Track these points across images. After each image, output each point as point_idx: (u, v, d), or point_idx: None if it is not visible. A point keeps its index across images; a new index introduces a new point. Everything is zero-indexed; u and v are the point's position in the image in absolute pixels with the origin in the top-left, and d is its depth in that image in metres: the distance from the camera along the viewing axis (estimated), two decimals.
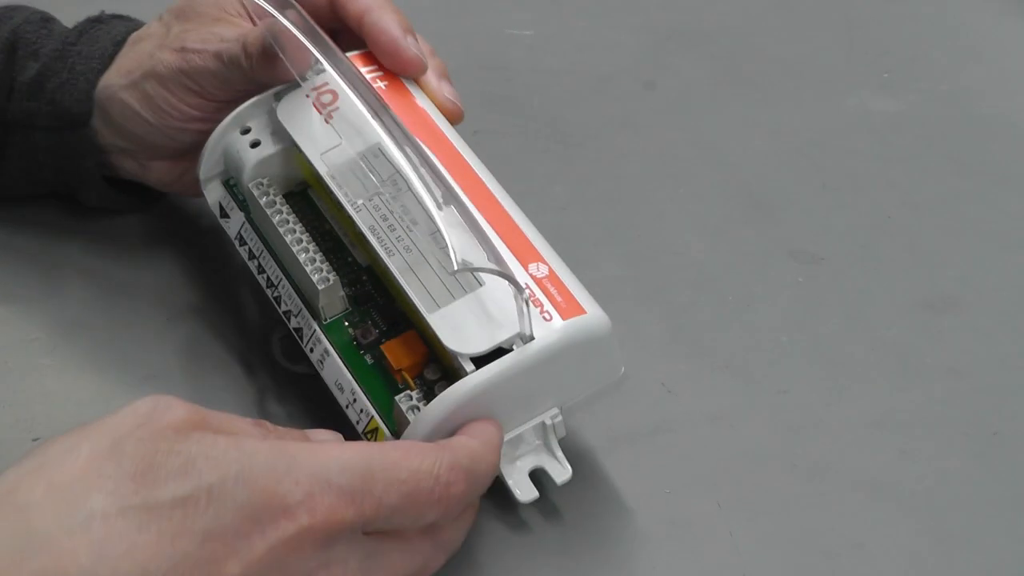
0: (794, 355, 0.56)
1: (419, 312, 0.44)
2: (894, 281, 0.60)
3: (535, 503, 0.46)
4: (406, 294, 0.45)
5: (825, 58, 0.76)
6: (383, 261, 0.46)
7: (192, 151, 0.54)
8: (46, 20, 0.58)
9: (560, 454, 0.46)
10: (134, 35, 0.56)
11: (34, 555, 0.34)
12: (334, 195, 0.48)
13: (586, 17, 0.78)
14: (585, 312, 0.45)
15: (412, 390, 0.44)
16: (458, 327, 0.43)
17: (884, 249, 0.62)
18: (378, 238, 0.46)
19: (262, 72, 0.51)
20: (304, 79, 0.50)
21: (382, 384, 0.46)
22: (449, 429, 0.42)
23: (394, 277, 0.45)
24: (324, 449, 0.38)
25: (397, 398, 0.44)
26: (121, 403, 0.40)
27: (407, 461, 0.39)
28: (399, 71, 0.52)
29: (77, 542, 0.35)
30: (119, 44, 0.55)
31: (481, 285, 0.45)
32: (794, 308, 0.59)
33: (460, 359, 0.43)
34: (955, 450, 0.52)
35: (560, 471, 0.45)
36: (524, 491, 0.45)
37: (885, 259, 0.62)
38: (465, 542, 0.44)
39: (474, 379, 0.42)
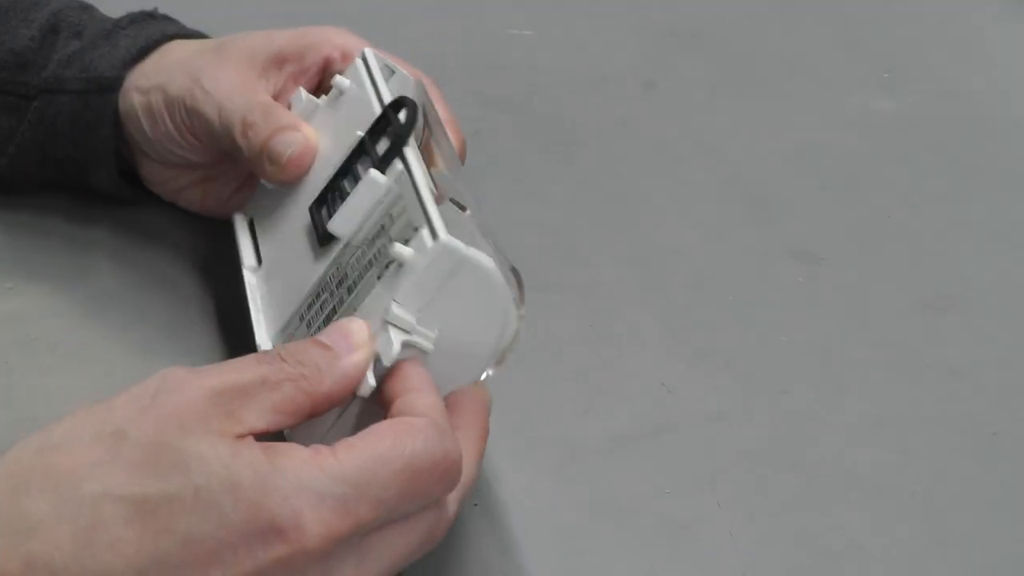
0: (794, 355, 0.56)
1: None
2: (894, 281, 0.60)
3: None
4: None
5: (825, 58, 0.76)
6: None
7: (185, 168, 0.56)
8: (85, 7, 0.59)
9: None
10: (177, 41, 0.56)
11: (27, 539, 0.35)
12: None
13: (586, 17, 0.78)
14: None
15: None
16: None
17: (884, 249, 0.62)
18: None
19: (249, 159, 0.51)
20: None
21: None
22: None
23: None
24: (318, 459, 0.37)
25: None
26: None
27: (400, 448, 0.37)
28: None
29: (64, 529, 0.35)
30: (169, 37, 0.56)
31: None
32: (794, 308, 0.59)
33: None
34: (955, 450, 0.52)
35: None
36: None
37: (885, 259, 0.62)
38: (460, 541, 0.44)
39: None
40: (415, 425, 0.39)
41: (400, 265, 0.42)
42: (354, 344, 0.41)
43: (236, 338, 0.55)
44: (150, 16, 0.58)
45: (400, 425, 0.39)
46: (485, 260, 0.42)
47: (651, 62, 0.74)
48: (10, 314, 0.55)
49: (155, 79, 0.54)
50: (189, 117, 0.53)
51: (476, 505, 0.47)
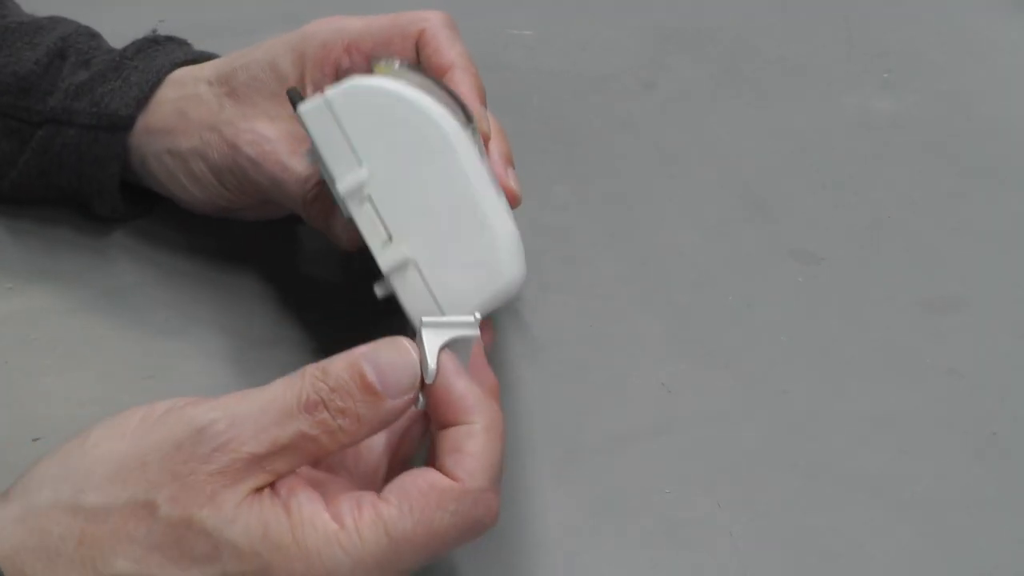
0: (794, 355, 0.56)
1: None
2: (894, 281, 0.60)
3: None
4: None
5: (825, 58, 0.76)
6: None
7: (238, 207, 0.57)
8: (93, 35, 0.58)
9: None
10: (176, 81, 0.55)
11: None
12: None
13: (586, 17, 0.78)
14: None
15: None
16: None
17: (884, 249, 0.62)
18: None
19: (313, 219, 0.53)
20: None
21: None
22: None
23: None
24: (341, 539, 0.37)
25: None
26: (121, 404, 0.40)
27: (425, 525, 0.38)
28: None
29: None
30: (177, 65, 0.56)
31: None
32: (794, 308, 0.59)
33: None
34: (954, 450, 0.52)
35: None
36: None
37: (885, 259, 0.62)
38: None
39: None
40: (447, 495, 0.38)
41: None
42: (403, 389, 0.39)
43: (235, 337, 0.55)
44: (154, 42, 0.57)
45: (430, 497, 0.38)
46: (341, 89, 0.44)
47: (651, 62, 0.74)
48: (10, 314, 0.55)
49: (184, 141, 0.54)
50: (240, 184, 0.54)
51: None
